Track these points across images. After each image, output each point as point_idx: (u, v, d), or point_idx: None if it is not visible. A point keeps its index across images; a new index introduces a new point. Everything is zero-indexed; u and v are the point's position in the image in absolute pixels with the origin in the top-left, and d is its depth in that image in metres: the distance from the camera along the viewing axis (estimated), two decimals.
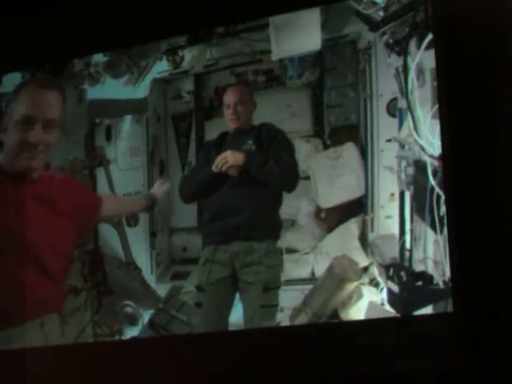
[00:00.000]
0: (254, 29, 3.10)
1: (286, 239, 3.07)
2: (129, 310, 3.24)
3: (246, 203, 3.02)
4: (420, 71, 2.73)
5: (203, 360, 2.76)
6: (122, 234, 3.32)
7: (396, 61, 2.83)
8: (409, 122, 2.76)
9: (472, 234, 2.45)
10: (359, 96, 3.02)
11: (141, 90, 3.36)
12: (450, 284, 2.52)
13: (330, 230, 3.04)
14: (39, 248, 2.89)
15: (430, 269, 2.67)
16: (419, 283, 2.68)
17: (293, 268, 3.04)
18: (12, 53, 3.25)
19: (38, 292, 2.88)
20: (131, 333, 3.21)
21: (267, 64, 3.17)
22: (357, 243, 2.95)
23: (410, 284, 2.69)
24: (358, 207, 2.98)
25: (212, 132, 3.27)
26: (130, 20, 3.12)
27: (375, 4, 2.87)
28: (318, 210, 3.08)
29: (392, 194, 2.88)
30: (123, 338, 3.20)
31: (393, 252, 2.82)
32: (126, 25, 3.12)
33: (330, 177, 3.04)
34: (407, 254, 2.78)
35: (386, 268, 2.79)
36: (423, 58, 2.71)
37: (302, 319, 2.88)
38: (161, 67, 3.31)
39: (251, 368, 2.67)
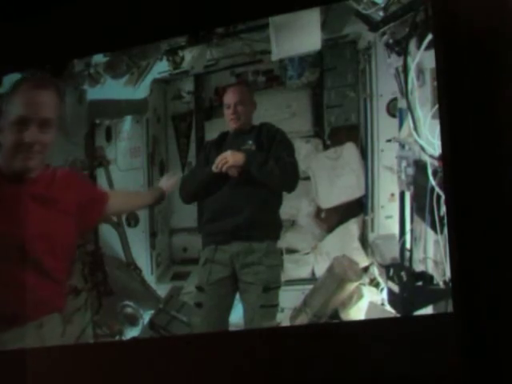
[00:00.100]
0: (254, 29, 3.11)
1: (286, 239, 3.07)
2: (129, 310, 3.24)
3: (246, 203, 3.02)
4: (420, 71, 2.73)
5: (203, 360, 2.76)
6: (122, 235, 3.32)
7: (396, 61, 2.83)
8: (409, 122, 2.76)
9: (472, 234, 2.45)
10: (359, 96, 3.02)
11: (141, 91, 3.36)
12: (450, 284, 2.51)
13: (330, 230, 3.04)
14: (38, 249, 2.88)
15: (431, 269, 2.67)
16: (419, 283, 2.68)
17: (293, 268, 3.04)
18: (12, 53, 3.25)
19: (38, 293, 2.88)
20: (131, 333, 3.21)
21: (267, 64, 3.18)
22: (357, 243, 2.95)
23: (410, 284, 2.69)
24: (358, 207, 2.98)
25: (212, 132, 3.27)
26: (130, 20, 3.12)
27: (375, 4, 2.87)
28: (318, 211, 3.08)
29: (392, 194, 2.88)
30: (123, 338, 3.20)
31: (393, 252, 2.82)
32: (126, 25, 3.12)
33: (330, 177, 3.04)
34: (407, 254, 2.78)
35: (386, 268, 2.79)
36: (423, 58, 2.70)
37: (303, 319, 2.88)
38: (161, 67, 3.31)
39: (251, 368, 2.67)
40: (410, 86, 2.76)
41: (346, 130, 3.07)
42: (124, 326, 3.21)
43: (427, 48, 2.68)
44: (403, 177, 2.78)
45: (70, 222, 2.95)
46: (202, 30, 3.16)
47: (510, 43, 2.52)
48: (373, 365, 2.49)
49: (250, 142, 3.09)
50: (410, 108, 2.76)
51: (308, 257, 3.04)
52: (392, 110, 2.91)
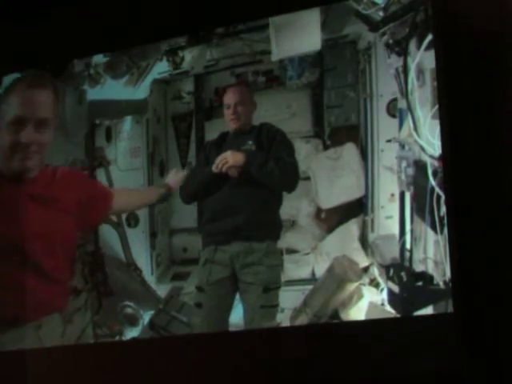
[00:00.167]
0: (254, 29, 3.10)
1: (287, 240, 3.07)
2: (129, 310, 3.24)
3: (246, 203, 3.02)
4: (420, 71, 2.73)
5: (203, 361, 2.75)
6: (122, 235, 3.32)
7: (396, 61, 2.83)
8: (409, 122, 2.76)
9: (472, 234, 2.45)
10: (359, 96, 3.02)
11: (141, 91, 3.36)
12: (450, 284, 2.51)
13: (330, 230, 3.03)
14: (37, 249, 2.87)
15: (431, 269, 2.67)
16: (419, 283, 2.68)
17: (293, 268, 3.04)
18: (12, 53, 3.25)
19: (37, 295, 2.87)
20: (131, 333, 3.20)
21: (267, 64, 3.17)
22: (357, 244, 2.95)
23: (410, 284, 2.69)
24: (358, 208, 2.98)
25: (212, 132, 3.27)
26: (130, 21, 3.12)
27: (375, 4, 2.87)
28: (319, 211, 3.08)
29: (392, 195, 2.88)
30: (123, 338, 3.20)
31: (393, 252, 2.81)
32: (126, 25, 3.12)
33: (330, 177, 3.04)
34: (407, 254, 2.78)
35: (386, 268, 2.79)
36: (423, 58, 2.70)
37: (303, 320, 2.88)
38: (161, 68, 3.31)
39: (251, 368, 2.67)
40: (410, 87, 2.76)
41: (346, 131, 3.07)
42: (124, 327, 3.21)
43: (427, 48, 2.68)
44: (403, 177, 2.78)
45: (71, 221, 2.94)
46: (202, 30, 3.16)
47: (510, 43, 2.52)
48: (373, 365, 2.49)
49: (250, 142, 3.09)
50: (409, 108, 2.76)
51: (308, 257, 3.04)
52: (392, 110, 2.91)
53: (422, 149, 2.68)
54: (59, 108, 2.99)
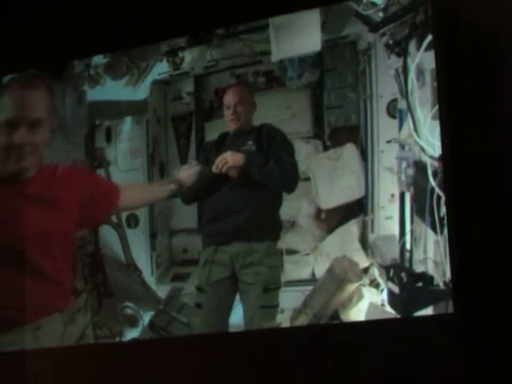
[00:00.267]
0: (254, 30, 3.11)
1: (287, 240, 3.07)
2: (129, 311, 3.24)
3: (246, 204, 3.02)
4: (420, 72, 2.73)
5: (203, 361, 2.75)
6: (122, 236, 3.32)
7: (396, 62, 2.83)
8: (409, 122, 2.76)
9: (472, 234, 2.45)
10: (359, 97, 3.02)
11: (141, 92, 3.36)
12: (450, 285, 2.51)
13: (330, 231, 3.03)
14: (35, 251, 2.86)
15: (431, 269, 2.67)
16: (419, 284, 2.68)
17: (293, 269, 3.04)
18: (12, 53, 3.25)
19: (36, 295, 2.85)
20: (131, 334, 3.20)
21: (267, 65, 3.17)
22: (357, 244, 2.95)
23: (410, 285, 2.69)
24: (358, 208, 2.98)
25: (212, 133, 3.27)
26: (130, 21, 3.12)
27: (375, 5, 2.87)
28: (318, 211, 3.08)
29: (392, 195, 2.88)
30: (123, 339, 3.20)
31: (393, 253, 2.82)
32: (126, 26, 3.13)
33: (330, 178, 3.04)
34: (407, 254, 2.78)
35: (386, 269, 2.79)
36: (423, 58, 2.70)
37: (303, 320, 2.88)
38: (161, 68, 3.31)
39: (251, 369, 2.67)
40: (409, 87, 2.76)
41: (346, 131, 3.07)
42: (124, 327, 3.21)
43: (427, 49, 2.68)
44: (403, 178, 2.78)
45: (71, 220, 2.92)
46: (202, 30, 3.16)
47: (510, 43, 2.52)
48: (373, 365, 2.49)
49: (250, 142, 3.09)
50: (409, 109, 2.76)
51: (308, 258, 3.04)
52: (392, 110, 2.91)
53: (422, 149, 2.68)
54: (55, 107, 2.97)
